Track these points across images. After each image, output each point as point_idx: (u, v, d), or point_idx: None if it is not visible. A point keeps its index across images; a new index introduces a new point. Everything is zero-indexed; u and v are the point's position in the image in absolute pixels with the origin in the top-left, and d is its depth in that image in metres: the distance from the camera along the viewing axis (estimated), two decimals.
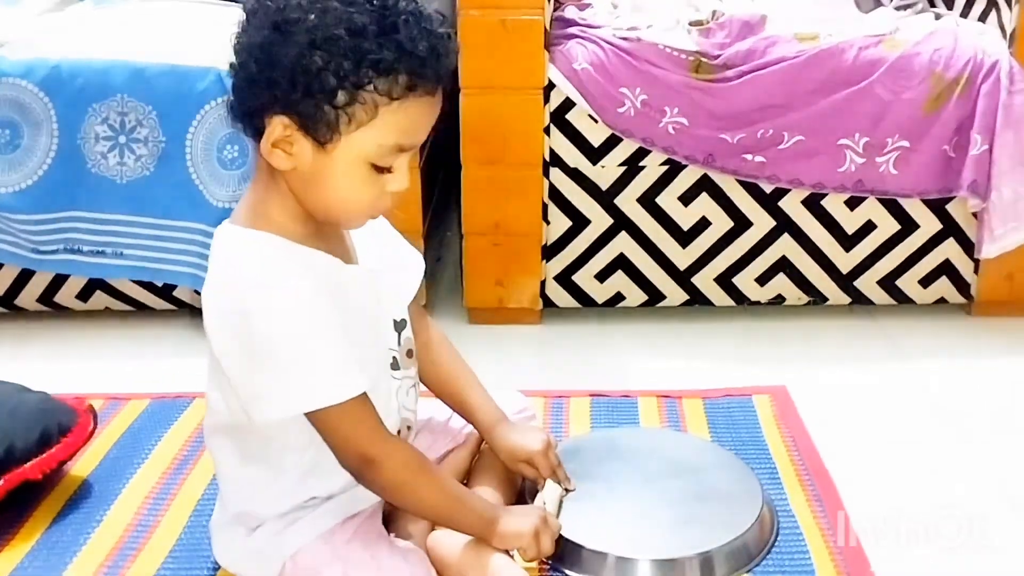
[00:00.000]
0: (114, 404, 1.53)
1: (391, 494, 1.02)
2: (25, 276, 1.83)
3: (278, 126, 0.90)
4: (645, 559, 1.11)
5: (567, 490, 1.17)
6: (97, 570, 1.14)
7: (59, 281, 1.83)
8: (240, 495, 1.03)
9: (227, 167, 1.71)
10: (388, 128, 0.89)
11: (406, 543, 1.06)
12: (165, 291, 1.84)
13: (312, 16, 0.86)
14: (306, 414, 0.95)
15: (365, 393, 0.95)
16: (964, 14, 1.88)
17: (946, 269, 1.80)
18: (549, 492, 1.14)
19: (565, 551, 1.11)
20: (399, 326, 1.06)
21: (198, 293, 1.78)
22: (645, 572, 1.11)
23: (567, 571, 1.12)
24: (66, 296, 1.85)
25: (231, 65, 0.92)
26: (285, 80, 0.87)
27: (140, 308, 1.87)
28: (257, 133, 0.92)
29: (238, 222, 0.97)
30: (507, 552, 1.05)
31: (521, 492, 1.23)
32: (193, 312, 1.86)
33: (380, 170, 0.92)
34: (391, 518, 1.13)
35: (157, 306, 1.86)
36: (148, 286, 1.83)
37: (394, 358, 1.05)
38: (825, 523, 1.22)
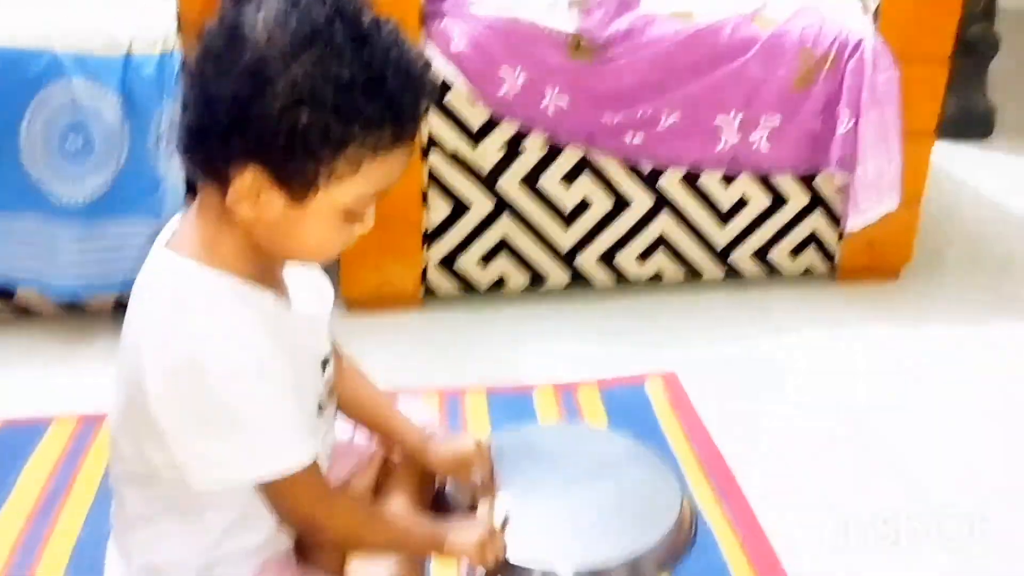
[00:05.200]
0: None
1: (339, 547, 0.99)
2: None
3: (248, 178, 0.80)
4: (570, 571, 1.09)
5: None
6: None
7: None
8: (148, 547, 0.94)
9: (71, 160, 1.54)
10: (369, 180, 0.83)
11: None
12: (2, 294, 1.66)
13: (295, 67, 0.77)
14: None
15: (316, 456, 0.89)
16: None
17: (813, 239, 1.87)
18: (496, 506, 1.11)
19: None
20: (324, 364, 0.98)
21: (43, 296, 1.63)
22: None
23: None
24: None
25: (186, 106, 0.81)
26: (264, 135, 0.79)
27: None
28: (216, 177, 0.82)
29: (185, 253, 0.86)
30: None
31: (435, 503, 1.19)
32: (35, 317, 1.69)
33: (354, 217, 0.85)
34: (301, 548, 1.07)
35: None
36: None
37: (319, 402, 0.97)
38: (732, 517, 1.24)
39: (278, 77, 0.77)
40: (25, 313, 1.68)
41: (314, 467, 0.89)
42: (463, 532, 1.02)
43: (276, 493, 0.88)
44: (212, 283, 0.84)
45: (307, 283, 1.01)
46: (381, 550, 1.01)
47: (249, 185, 0.81)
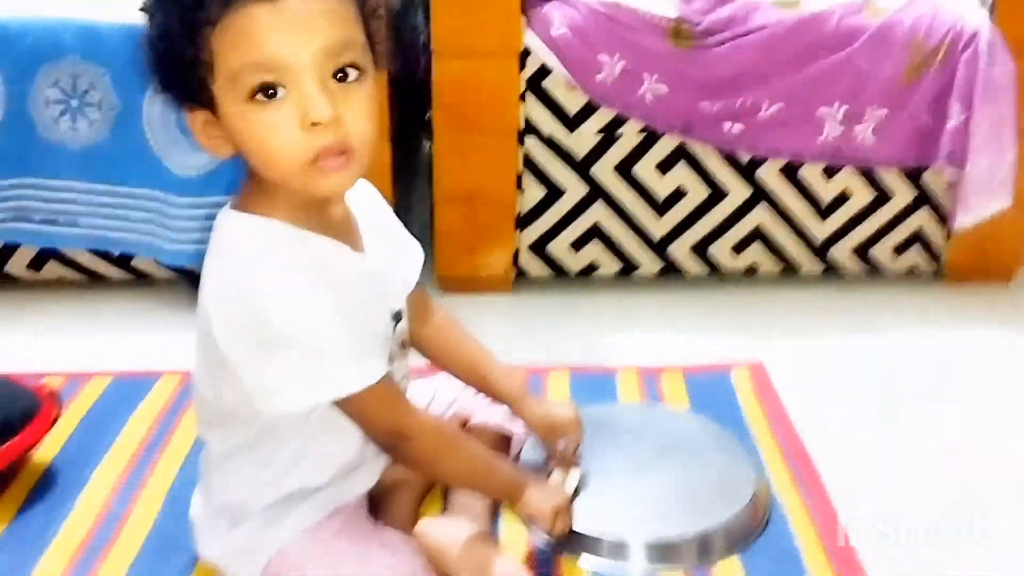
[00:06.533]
0: (75, 383, 1.46)
1: (425, 466, 1.01)
2: None
3: (190, 115, 0.88)
4: (640, 543, 1.10)
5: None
6: (68, 566, 1.10)
7: (8, 250, 1.75)
8: (225, 485, 1.00)
9: (188, 133, 1.62)
10: (231, 54, 0.82)
11: (395, 535, 1.03)
12: (122, 261, 1.76)
13: None
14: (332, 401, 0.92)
15: (389, 371, 0.93)
16: None
17: (919, 238, 1.81)
18: (570, 476, 1.13)
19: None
20: (396, 317, 1.02)
21: (158, 263, 1.73)
22: (640, 556, 1.10)
23: (563, 554, 1.11)
24: (17, 266, 1.76)
25: None
26: (150, 63, 0.86)
27: (96, 279, 1.79)
28: None
29: (239, 207, 0.93)
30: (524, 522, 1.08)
31: None
32: (152, 283, 1.79)
33: (266, 93, 0.82)
34: (377, 504, 1.10)
35: (115, 276, 1.79)
36: (104, 256, 1.75)
37: (389, 353, 1.01)
38: (810, 505, 1.21)
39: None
40: (143, 278, 1.79)
41: (389, 382, 0.93)
42: (543, 493, 1.05)
43: (355, 409, 0.93)
44: (258, 228, 0.91)
45: (395, 243, 1.06)
46: (462, 479, 1.04)
47: (193, 119, 0.88)
